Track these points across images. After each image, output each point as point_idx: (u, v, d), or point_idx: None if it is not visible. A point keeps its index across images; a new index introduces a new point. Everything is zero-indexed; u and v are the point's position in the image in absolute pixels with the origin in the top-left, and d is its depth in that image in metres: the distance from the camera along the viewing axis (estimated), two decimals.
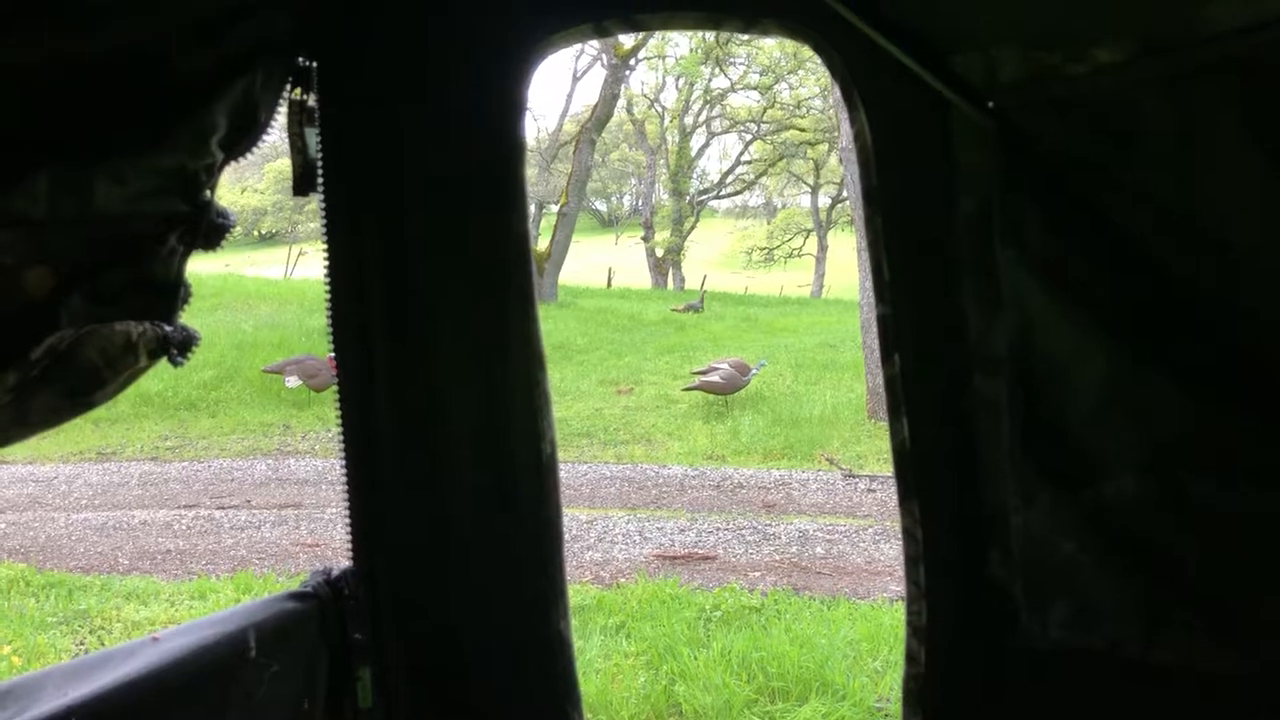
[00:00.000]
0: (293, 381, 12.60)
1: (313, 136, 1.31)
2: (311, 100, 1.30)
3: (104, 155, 1.01)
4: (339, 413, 1.34)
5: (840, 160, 15.81)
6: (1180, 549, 1.01)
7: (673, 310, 22.55)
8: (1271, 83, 0.87)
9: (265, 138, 1.21)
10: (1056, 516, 1.07)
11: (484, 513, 1.36)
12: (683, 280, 37.69)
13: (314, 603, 1.29)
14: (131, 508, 8.59)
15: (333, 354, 1.35)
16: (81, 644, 5.56)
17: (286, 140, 1.32)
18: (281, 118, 1.28)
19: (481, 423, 1.35)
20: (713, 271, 40.92)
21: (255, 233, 47.77)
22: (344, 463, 1.35)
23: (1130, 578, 1.05)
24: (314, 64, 1.29)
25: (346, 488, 1.35)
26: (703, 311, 22.31)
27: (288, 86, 1.27)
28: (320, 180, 1.31)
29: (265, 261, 34.88)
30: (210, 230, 1.18)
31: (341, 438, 1.34)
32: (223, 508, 8.64)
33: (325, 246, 1.33)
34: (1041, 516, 1.08)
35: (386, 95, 1.32)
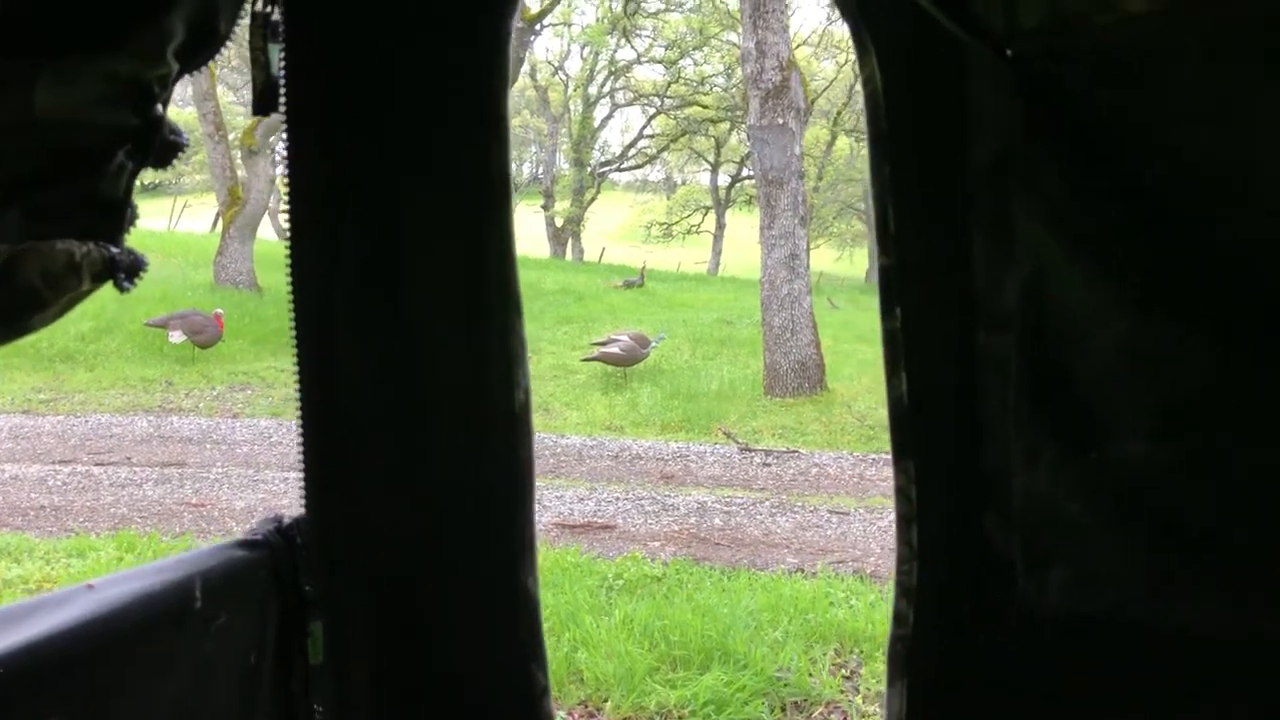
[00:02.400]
0: (177, 336, 12.17)
1: (276, 52, 1.21)
2: (276, 14, 1.20)
3: (52, 56, 0.91)
4: (295, 349, 1.25)
5: (747, 138, 15.90)
6: (1191, 511, 1.00)
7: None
8: None
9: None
10: (1062, 477, 1.05)
11: (451, 461, 1.29)
12: (582, 251, 37.57)
13: (265, 551, 1.21)
14: (0, 461, 8.16)
15: (290, 288, 1.25)
16: None
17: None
18: (243, 30, 1.19)
19: (452, 366, 1.28)
20: (611, 244, 40.93)
21: (138, 183, 45.67)
22: (299, 403, 1.25)
23: (1137, 540, 1.04)
24: None
25: (300, 430, 1.26)
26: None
27: None
28: (283, 101, 1.22)
29: (149, 213, 33.17)
30: (163, 147, 1.09)
31: (297, 376, 1.25)
32: (101, 464, 8.28)
33: (286, 174, 1.23)
34: (1046, 477, 1.06)
35: (357, 10, 1.23)
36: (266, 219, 20.66)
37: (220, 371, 12.11)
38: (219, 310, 12.68)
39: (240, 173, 17.72)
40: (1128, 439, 1.01)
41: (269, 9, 1.20)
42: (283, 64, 1.21)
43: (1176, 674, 1.07)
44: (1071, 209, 1.02)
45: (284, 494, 7.53)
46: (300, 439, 1.26)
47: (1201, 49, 0.91)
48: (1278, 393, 0.94)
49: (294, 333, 1.24)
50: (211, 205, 26.10)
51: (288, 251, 1.24)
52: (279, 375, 11.80)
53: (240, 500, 7.40)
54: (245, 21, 1.19)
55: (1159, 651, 1.07)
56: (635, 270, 25.18)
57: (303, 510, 1.27)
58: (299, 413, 1.25)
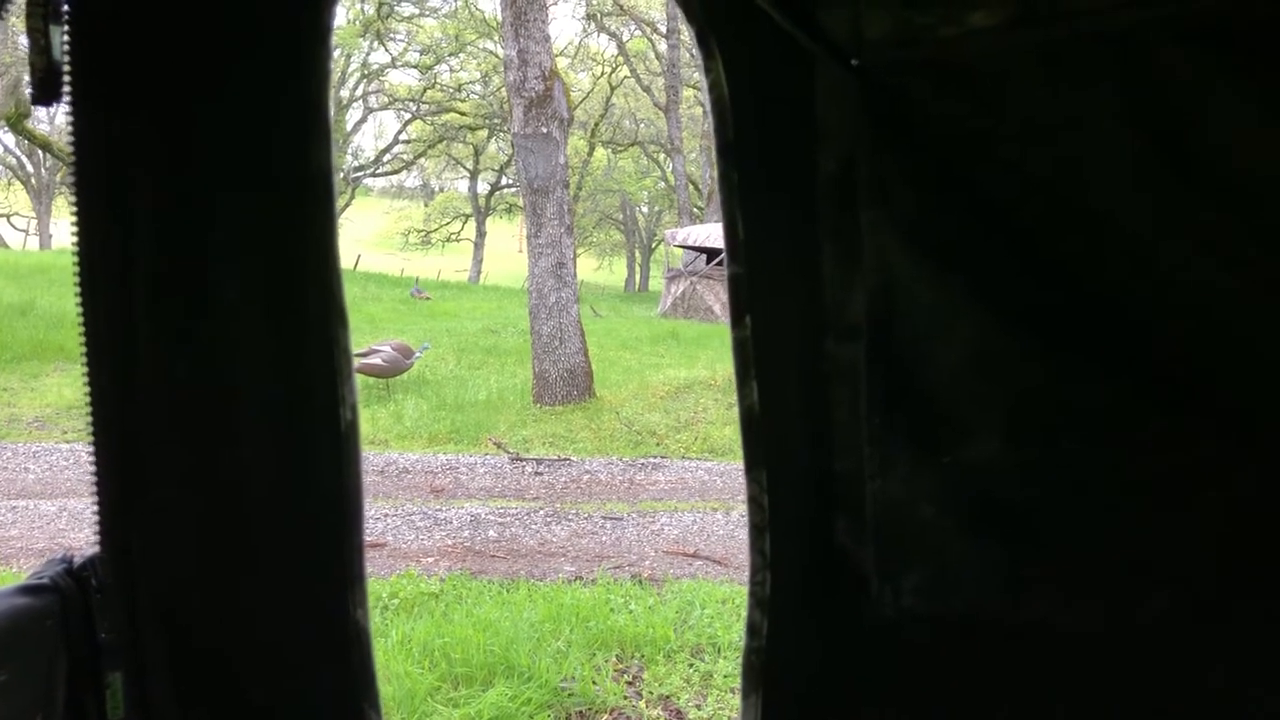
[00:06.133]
0: None
1: (59, 34, 1.07)
2: None
3: None
4: (85, 370, 1.10)
5: (510, 146, 15.84)
6: (1042, 511, 1.05)
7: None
8: (1145, 60, 0.92)
9: None
10: (915, 482, 1.08)
11: (270, 487, 1.17)
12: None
13: (53, 597, 1.06)
14: None
15: (77, 299, 1.10)
16: None
17: None
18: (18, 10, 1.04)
19: (270, 384, 1.16)
20: (368, 251, 39.73)
21: None
22: (91, 430, 1.11)
23: (991, 541, 1.07)
24: None
25: (94, 460, 1.11)
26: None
27: None
28: (68, 90, 1.08)
29: None
30: None
31: (89, 401, 1.11)
32: None
33: (73, 174, 1.09)
34: (899, 482, 1.09)
35: None
36: None
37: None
38: None
39: None
40: (979, 442, 1.05)
41: None
42: (67, 48, 1.07)
43: (1033, 669, 1.11)
44: (917, 219, 1.05)
45: (12, 524, 6.82)
46: (93, 469, 1.12)
47: (1038, 64, 0.95)
48: (1112, 399, 1.00)
49: (83, 351, 1.10)
50: None
51: (75, 258, 1.10)
52: None
53: None
54: None
55: (1015, 648, 1.11)
56: (412, 280, 25.19)
57: (97, 549, 1.13)
58: (91, 441, 1.11)
